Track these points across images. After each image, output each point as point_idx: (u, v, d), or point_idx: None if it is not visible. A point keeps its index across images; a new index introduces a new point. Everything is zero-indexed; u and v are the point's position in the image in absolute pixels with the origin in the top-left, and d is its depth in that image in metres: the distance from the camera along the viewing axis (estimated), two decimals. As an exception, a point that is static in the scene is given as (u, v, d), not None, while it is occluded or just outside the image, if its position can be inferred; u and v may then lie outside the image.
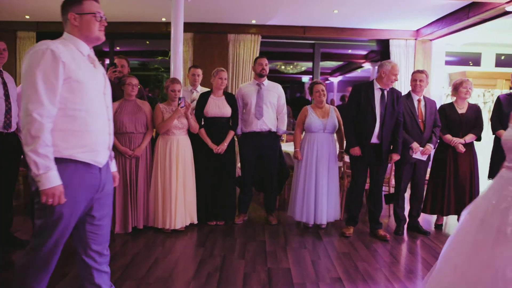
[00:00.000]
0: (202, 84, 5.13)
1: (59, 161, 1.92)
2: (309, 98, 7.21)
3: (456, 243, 2.23)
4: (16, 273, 2.07)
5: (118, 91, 4.29)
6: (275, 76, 12.23)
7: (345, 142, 4.37)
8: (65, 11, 2.04)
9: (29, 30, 7.28)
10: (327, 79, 14.26)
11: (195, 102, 4.61)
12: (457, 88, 4.48)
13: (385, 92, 4.14)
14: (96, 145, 2.04)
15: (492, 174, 4.47)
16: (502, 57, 7.98)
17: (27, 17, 6.95)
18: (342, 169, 5.01)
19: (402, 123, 4.20)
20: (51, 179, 1.86)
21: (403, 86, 7.39)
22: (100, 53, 9.94)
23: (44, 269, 2.09)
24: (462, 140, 4.38)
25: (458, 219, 4.61)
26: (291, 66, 12.11)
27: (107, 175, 2.19)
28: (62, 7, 2.06)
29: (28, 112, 1.84)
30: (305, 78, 14.44)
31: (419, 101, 4.37)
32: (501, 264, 1.94)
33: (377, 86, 4.15)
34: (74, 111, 1.95)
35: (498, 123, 4.38)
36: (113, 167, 2.36)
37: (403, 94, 4.41)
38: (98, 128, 2.06)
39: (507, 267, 1.93)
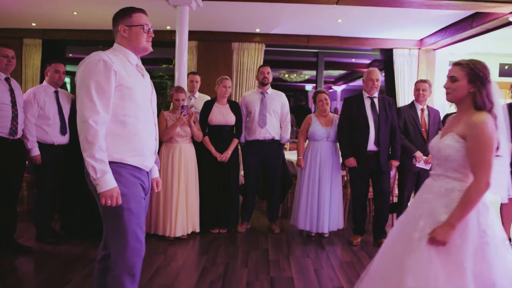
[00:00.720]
0: (207, 92, 5.15)
1: (112, 164, 2.00)
2: (312, 107, 7.22)
3: (381, 251, 2.24)
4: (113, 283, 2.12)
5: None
6: (278, 84, 12.27)
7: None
8: (116, 23, 2.14)
9: (35, 37, 7.35)
10: (330, 88, 14.29)
11: (193, 109, 4.64)
12: None
13: (375, 100, 4.22)
14: (144, 149, 2.12)
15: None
16: (506, 67, 7.99)
17: (34, 24, 7.01)
18: (346, 177, 5.00)
19: (398, 128, 4.24)
20: (108, 181, 1.94)
21: (406, 95, 7.40)
22: (105, 61, 10.02)
23: (132, 273, 2.15)
24: None
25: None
26: (295, 75, 12.15)
27: (150, 180, 2.27)
28: (113, 20, 2.16)
29: (84, 119, 1.93)
30: (309, 87, 14.47)
31: (422, 110, 4.37)
32: (405, 272, 1.93)
33: (365, 95, 4.25)
34: (124, 116, 2.04)
35: None
36: (156, 173, 2.40)
37: (406, 103, 4.43)
38: (146, 133, 2.14)
39: (409, 276, 1.91)
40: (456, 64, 2.05)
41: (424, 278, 1.88)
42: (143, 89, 2.16)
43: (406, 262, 1.95)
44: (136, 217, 2.08)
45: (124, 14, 2.13)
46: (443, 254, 1.90)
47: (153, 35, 2.18)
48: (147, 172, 2.20)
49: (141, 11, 2.16)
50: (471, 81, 2.00)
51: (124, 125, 2.04)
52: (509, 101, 4.63)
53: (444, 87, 2.10)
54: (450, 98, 2.08)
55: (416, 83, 4.49)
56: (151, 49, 2.19)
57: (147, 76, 2.25)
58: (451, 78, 2.05)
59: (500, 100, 2.04)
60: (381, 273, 2.14)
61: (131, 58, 2.14)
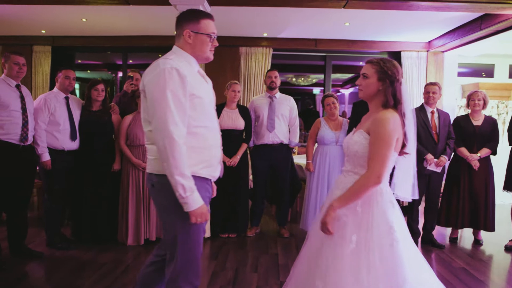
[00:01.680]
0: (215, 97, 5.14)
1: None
2: (320, 110, 7.18)
3: (300, 254, 2.26)
4: None
5: (133, 104, 4.34)
6: (286, 88, 12.25)
7: None
8: (180, 26, 2.02)
9: (45, 44, 7.41)
10: (338, 91, 14.24)
11: None
12: (467, 100, 4.49)
13: None
14: (213, 160, 2.05)
15: (507, 186, 4.42)
16: (515, 68, 7.91)
17: (43, 31, 7.08)
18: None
19: None
20: (197, 199, 1.88)
21: (415, 98, 7.35)
22: (113, 66, 10.10)
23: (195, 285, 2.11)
24: (477, 157, 4.33)
25: (473, 232, 4.59)
26: (302, 78, 12.13)
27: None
28: (178, 21, 2.04)
29: (168, 134, 1.82)
30: (316, 90, 14.44)
31: (432, 113, 4.34)
32: (316, 273, 1.95)
33: None
34: (195, 128, 1.95)
35: None
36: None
37: (415, 106, 4.40)
38: (214, 142, 2.07)
39: (319, 279, 1.92)
40: (368, 62, 2.07)
41: (333, 280, 1.88)
42: (209, 96, 2.06)
43: (319, 263, 1.98)
44: (202, 231, 2.06)
45: (192, 18, 2.00)
46: (352, 254, 1.90)
47: (217, 44, 2.07)
48: (212, 182, 2.13)
49: (210, 17, 2.04)
50: (380, 79, 2.01)
51: (195, 136, 1.94)
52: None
53: (356, 83, 2.12)
54: (362, 95, 2.10)
55: (426, 85, 4.46)
56: (212, 58, 2.08)
57: (209, 81, 2.16)
58: (363, 75, 2.07)
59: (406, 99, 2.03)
60: (298, 276, 2.14)
61: (194, 63, 2.04)
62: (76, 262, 3.69)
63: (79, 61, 9.28)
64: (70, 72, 4.04)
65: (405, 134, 2.01)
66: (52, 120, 3.88)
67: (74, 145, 4.02)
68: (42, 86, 7.40)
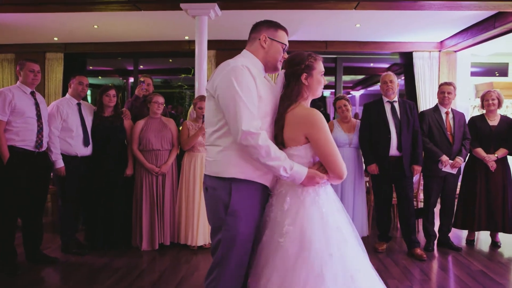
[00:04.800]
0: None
1: (242, 182, 1.92)
2: (331, 112, 7.13)
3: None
4: None
5: (144, 109, 4.35)
6: (296, 91, 12.19)
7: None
8: (258, 31, 2.08)
9: (57, 51, 7.50)
10: (349, 93, 14.18)
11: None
12: (482, 100, 4.42)
13: (395, 104, 4.15)
14: None
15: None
16: (530, 66, 7.78)
17: (56, 39, 7.16)
18: (368, 184, 4.92)
19: (420, 133, 4.14)
20: (299, 170, 1.88)
21: (427, 99, 7.27)
22: (124, 72, 10.17)
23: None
24: (494, 157, 4.25)
25: (490, 234, 4.50)
26: (313, 81, 12.08)
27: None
28: (256, 26, 2.10)
29: (245, 129, 1.81)
30: (327, 92, 14.40)
31: (447, 113, 4.28)
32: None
33: (385, 100, 4.19)
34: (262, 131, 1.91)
35: None
36: None
37: (429, 107, 4.34)
38: None
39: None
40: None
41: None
42: (272, 100, 2.03)
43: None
44: (242, 241, 1.98)
45: (270, 26, 2.08)
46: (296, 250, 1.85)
47: (286, 56, 2.10)
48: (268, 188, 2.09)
49: (286, 30, 2.12)
50: None
51: None
52: None
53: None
54: None
55: (440, 85, 4.40)
56: (279, 70, 2.10)
57: (274, 86, 2.11)
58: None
59: None
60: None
61: (261, 69, 2.06)
62: (90, 267, 3.70)
63: (91, 67, 9.37)
64: (83, 78, 4.06)
65: None
66: (65, 127, 3.91)
67: (87, 151, 4.04)
68: (55, 93, 7.49)
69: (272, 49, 2.06)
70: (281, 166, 1.84)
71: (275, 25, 2.08)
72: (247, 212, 1.93)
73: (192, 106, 4.53)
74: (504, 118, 4.40)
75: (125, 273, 3.57)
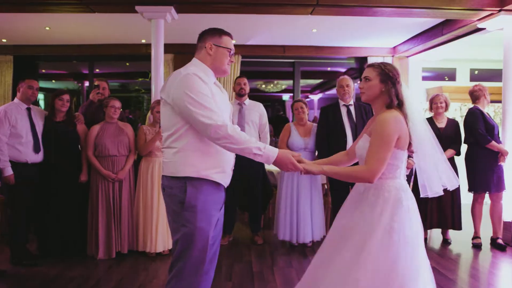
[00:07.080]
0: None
1: (196, 180, 2.02)
2: (290, 116, 7.20)
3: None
4: None
5: (100, 114, 4.24)
6: (255, 95, 12.29)
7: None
8: (203, 40, 2.19)
9: (6, 53, 7.19)
10: (307, 97, 14.40)
11: None
12: (430, 104, 4.64)
13: (351, 108, 4.28)
14: (226, 166, 2.14)
15: (471, 187, 4.55)
16: (476, 72, 8.21)
17: (4, 40, 6.86)
18: (326, 186, 5.01)
19: None
20: (271, 149, 2.02)
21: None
22: (79, 75, 9.87)
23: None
24: None
25: (442, 232, 4.69)
26: (272, 85, 12.20)
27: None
28: (201, 36, 2.22)
29: (214, 124, 1.93)
30: (286, 96, 14.56)
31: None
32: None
33: (341, 103, 4.32)
34: None
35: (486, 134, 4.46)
36: None
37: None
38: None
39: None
40: (369, 65, 2.17)
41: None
42: (225, 105, 2.18)
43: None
44: (202, 238, 2.07)
45: (215, 33, 2.18)
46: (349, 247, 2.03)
47: (234, 60, 2.27)
48: (225, 188, 2.21)
49: (230, 35, 2.22)
50: (382, 80, 2.09)
51: (211, 143, 2.03)
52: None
53: (359, 87, 2.19)
54: (365, 97, 2.17)
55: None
56: (229, 73, 2.26)
57: (225, 92, 2.28)
58: (365, 78, 2.14)
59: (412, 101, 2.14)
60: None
61: (211, 75, 2.17)
62: (43, 278, 3.55)
63: (44, 70, 9.02)
64: (33, 82, 3.92)
65: (409, 133, 2.07)
66: (13, 133, 3.75)
67: (38, 157, 3.89)
68: (4, 97, 7.16)
69: (218, 55, 2.17)
70: (254, 147, 1.98)
71: (219, 32, 2.20)
72: (204, 207, 2.03)
73: (150, 111, 4.46)
74: (451, 121, 4.63)
75: (80, 283, 3.45)
